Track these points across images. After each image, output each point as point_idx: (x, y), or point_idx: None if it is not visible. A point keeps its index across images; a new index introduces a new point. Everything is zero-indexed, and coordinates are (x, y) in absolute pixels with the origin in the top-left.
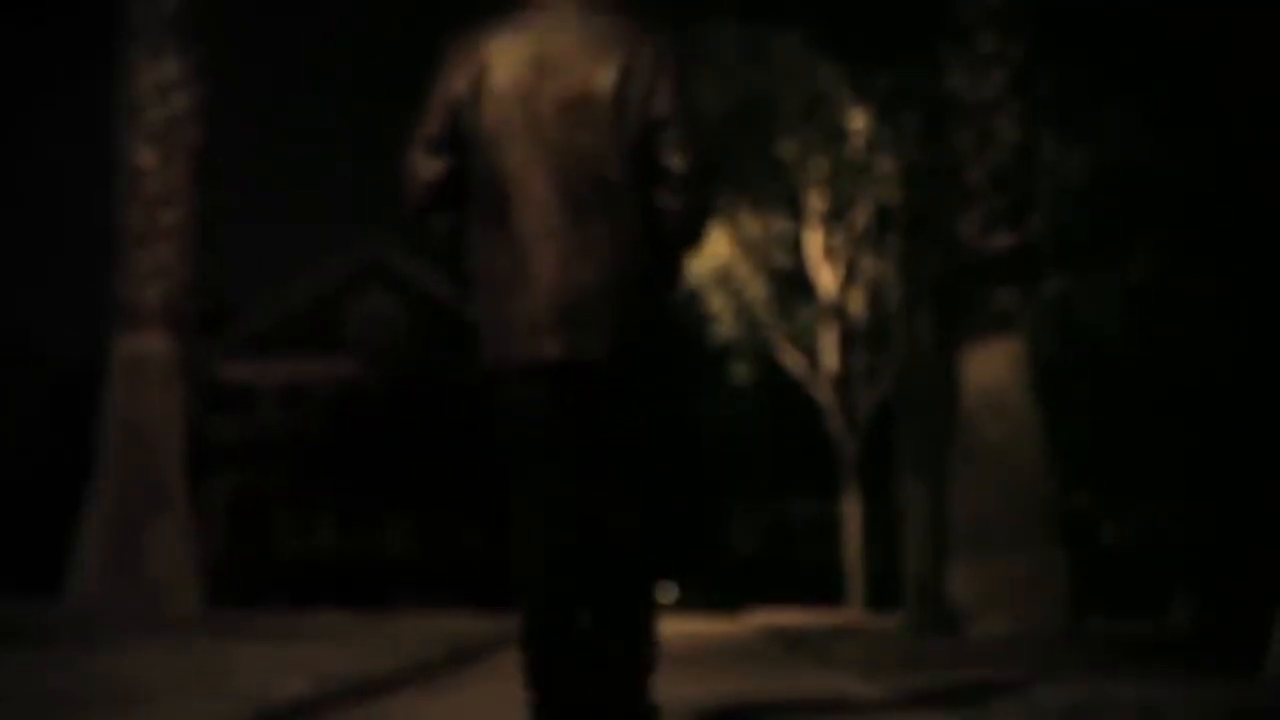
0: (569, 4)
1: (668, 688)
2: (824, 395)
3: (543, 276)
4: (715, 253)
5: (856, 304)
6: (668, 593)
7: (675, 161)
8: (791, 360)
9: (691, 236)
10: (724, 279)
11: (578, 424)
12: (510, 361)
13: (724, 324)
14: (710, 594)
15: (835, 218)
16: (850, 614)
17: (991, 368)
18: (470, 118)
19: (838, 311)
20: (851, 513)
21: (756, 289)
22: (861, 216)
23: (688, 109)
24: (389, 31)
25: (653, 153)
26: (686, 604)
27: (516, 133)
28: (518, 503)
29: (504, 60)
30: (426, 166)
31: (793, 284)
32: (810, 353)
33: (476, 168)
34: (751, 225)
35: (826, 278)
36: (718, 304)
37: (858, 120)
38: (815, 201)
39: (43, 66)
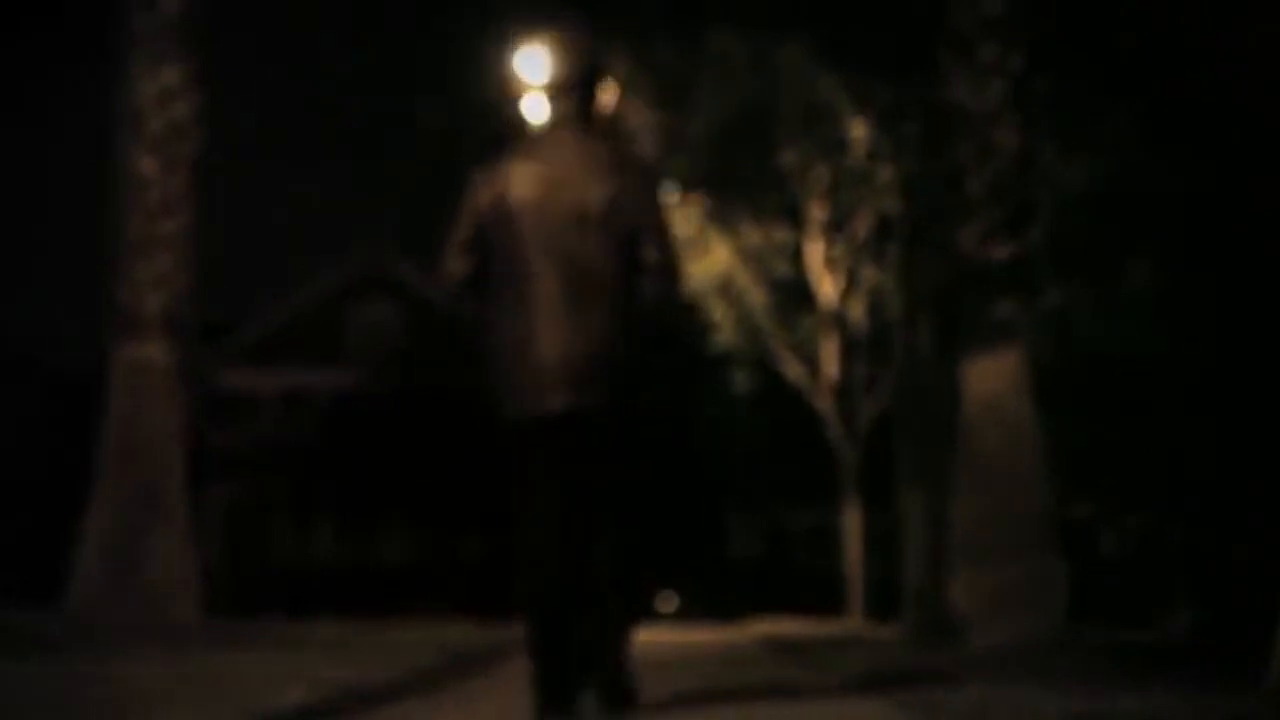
0: (572, 134)
1: (657, 692)
2: (824, 404)
3: (550, 348)
4: (716, 262)
5: (857, 313)
6: (668, 602)
7: (654, 258)
8: (792, 369)
9: (667, 313)
10: (724, 288)
11: (577, 460)
12: (524, 413)
13: (724, 332)
14: (710, 603)
15: (836, 227)
16: (850, 623)
17: (991, 377)
18: (493, 226)
19: (838, 321)
20: (851, 522)
21: (757, 298)
22: (862, 226)
23: (662, 216)
24: (389, 34)
25: (636, 251)
26: (686, 613)
27: (530, 238)
28: (521, 527)
29: (520, 180)
30: (458, 265)
31: (793, 293)
32: (811, 362)
33: (497, 264)
34: (752, 234)
35: (827, 287)
36: (718, 313)
37: (858, 130)
38: (816, 211)
39: (42, 73)
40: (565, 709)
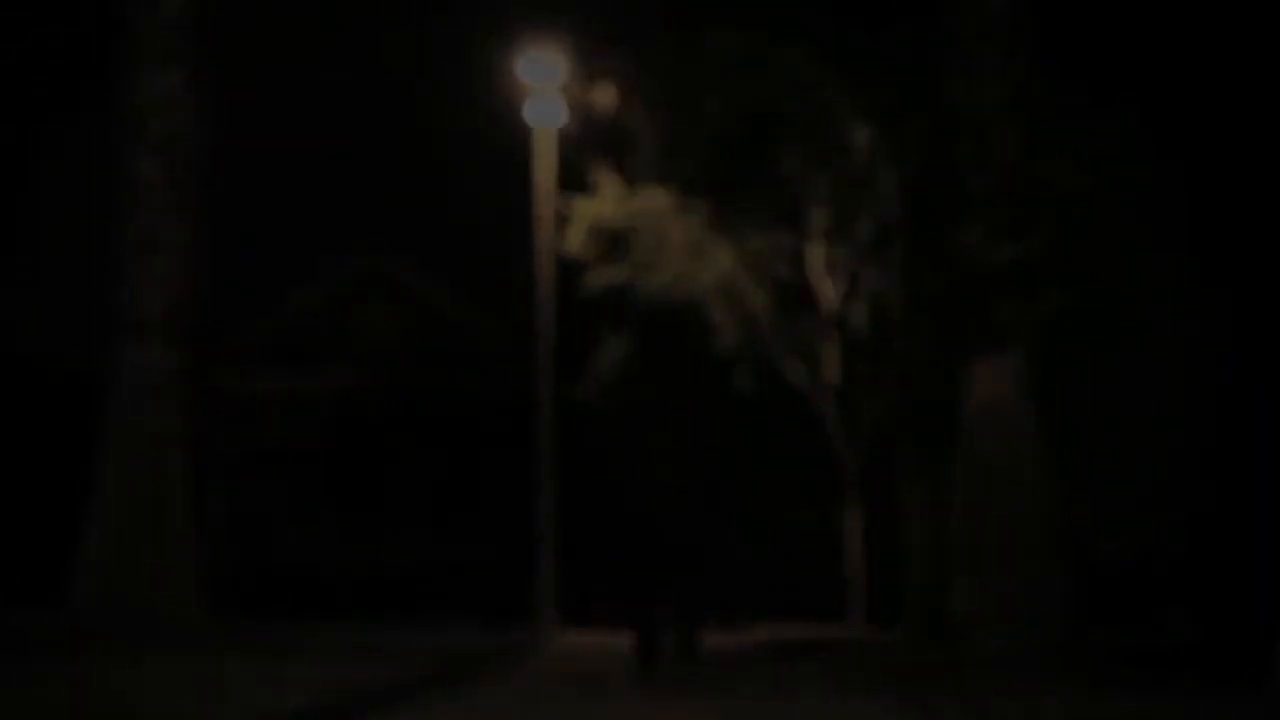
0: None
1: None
2: (826, 407)
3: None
4: (717, 265)
5: (858, 316)
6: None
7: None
8: (793, 372)
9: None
10: (726, 291)
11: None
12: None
13: (726, 335)
14: (710, 606)
15: (837, 231)
16: (853, 628)
17: (993, 381)
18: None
19: (840, 324)
20: (854, 526)
21: (758, 301)
22: (863, 230)
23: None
24: (390, 36)
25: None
26: None
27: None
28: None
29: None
30: None
31: (795, 296)
32: (812, 365)
33: None
34: (753, 238)
35: (828, 290)
36: (720, 316)
37: (860, 134)
38: (817, 215)
39: (45, 78)
40: (652, 667)
